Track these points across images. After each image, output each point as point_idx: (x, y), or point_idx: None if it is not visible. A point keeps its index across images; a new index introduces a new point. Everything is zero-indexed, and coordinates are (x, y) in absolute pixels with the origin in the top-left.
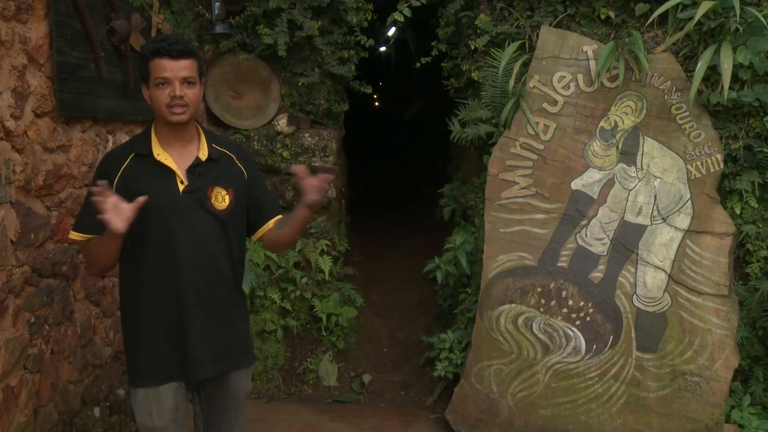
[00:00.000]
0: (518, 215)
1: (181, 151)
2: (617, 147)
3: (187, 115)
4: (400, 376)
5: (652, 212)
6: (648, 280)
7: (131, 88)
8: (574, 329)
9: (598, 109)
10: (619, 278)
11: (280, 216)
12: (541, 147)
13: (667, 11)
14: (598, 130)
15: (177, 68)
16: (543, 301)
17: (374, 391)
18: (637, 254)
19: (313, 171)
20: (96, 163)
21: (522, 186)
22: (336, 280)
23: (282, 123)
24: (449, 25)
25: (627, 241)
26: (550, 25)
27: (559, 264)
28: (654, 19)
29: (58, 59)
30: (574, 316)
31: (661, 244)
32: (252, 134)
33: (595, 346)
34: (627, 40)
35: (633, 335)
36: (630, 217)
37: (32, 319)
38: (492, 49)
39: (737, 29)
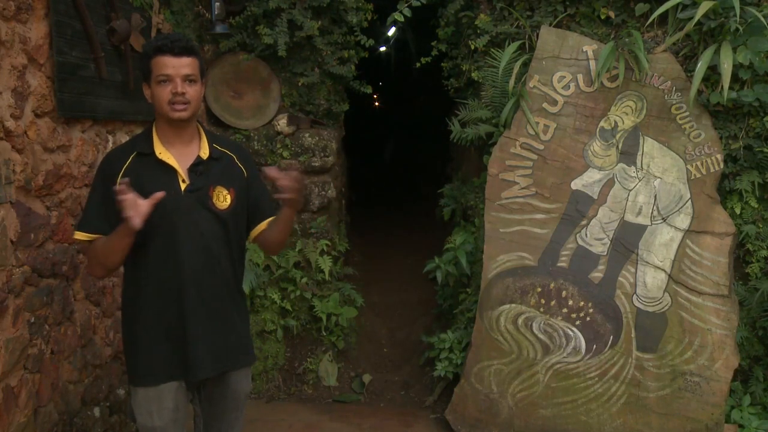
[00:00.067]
0: (518, 215)
1: (183, 150)
2: (617, 147)
3: (189, 112)
4: (400, 376)
5: (652, 212)
6: (648, 280)
7: (131, 88)
8: (574, 329)
9: (598, 109)
10: (619, 278)
11: (273, 217)
12: (541, 147)
13: (667, 11)
14: (598, 130)
15: (179, 65)
16: (543, 301)
17: (374, 391)
18: (637, 254)
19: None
20: (96, 163)
21: (522, 186)
22: (336, 280)
23: (282, 123)
24: (449, 25)
25: (627, 241)
26: (550, 25)
27: (559, 264)
28: (654, 19)
29: (58, 59)
30: (574, 316)
31: (661, 244)
32: (252, 134)
33: (595, 346)
34: (627, 40)
35: (633, 335)
36: (630, 217)
37: (32, 319)
38: (492, 49)
39: (737, 29)
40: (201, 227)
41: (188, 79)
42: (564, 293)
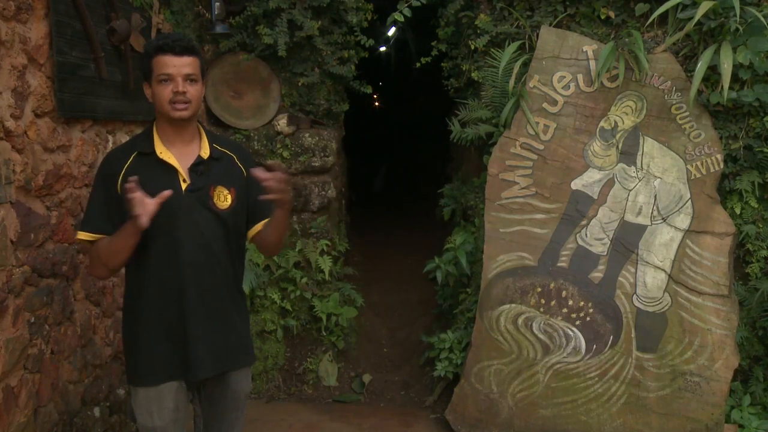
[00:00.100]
0: (518, 215)
1: (183, 150)
2: (617, 147)
3: (189, 111)
4: (400, 376)
5: (652, 212)
6: (648, 280)
7: (131, 88)
8: (574, 329)
9: (598, 109)
10: (619, 278)
11: (269, 218)
12: (541, 147)
13: (667, 11)
14: (598, 130)
15: (180, 64)
16: (543, 301)
17: (374, 391)
18: (637, 254)
19: (269, 170)
20: (96, 163)
21: (522, 186)
22: (336, 280)
23: (282, 123)
24: (449, 25)
25: (627, 241)
26: (550, 25)
27: (559, 264)
28: (654, 19)
29: (58, 59)
30: (574, 316)
31: (661, 244)
32: (252, 134)
33: (595, 346)
34: (627, 40)
35: (633, 335)
36: (630, 217)
37: (32, 319)
38: (492, 49)
39: (737, 29)
40: (201, 227)
41: (189, 78)
42: (564, 293)
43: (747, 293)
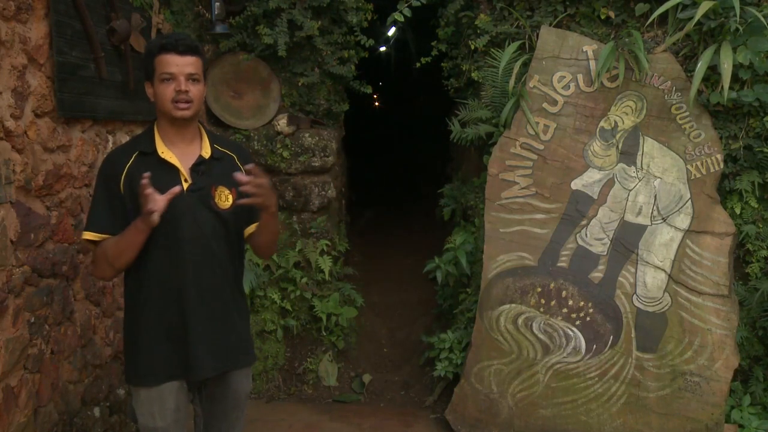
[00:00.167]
0: (518, 215)
1: (185, 150)
2: (617, 147)
3: (191, 111)
4: (400, 376)
5: (652, 212)
6: (648, 280)
7: (131, 88)
8: (574, 329)
9: (598, 109)
10: (619, 278)
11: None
12: (541, 147)
13: (667, 11)
14: (598, 130)
15: (183, 63)
16: (543, 301)
17: (374, 391)
18: (637, 254)
19: (249, 174)
20: (96, 163)
21: (522, 186)
22: (336, 280)
23: (282, 123)
24: (449, 25)
25: (627, 241)
26: (550, 25)
27: (559, 264)
28: (654, 19)
29: (58, 59)
30: (574, 316)
31: (661, 244)
32: (252, 134)
33: (595, 346)
34: (627, 40)
35: (633, 335)
36: (630, 217)
37: (32, 319)
38: (492, 49)
39: (737, 29)
40: (203, 226)
41: (192, 78)
42: (564, 293)
43: (747, 293)
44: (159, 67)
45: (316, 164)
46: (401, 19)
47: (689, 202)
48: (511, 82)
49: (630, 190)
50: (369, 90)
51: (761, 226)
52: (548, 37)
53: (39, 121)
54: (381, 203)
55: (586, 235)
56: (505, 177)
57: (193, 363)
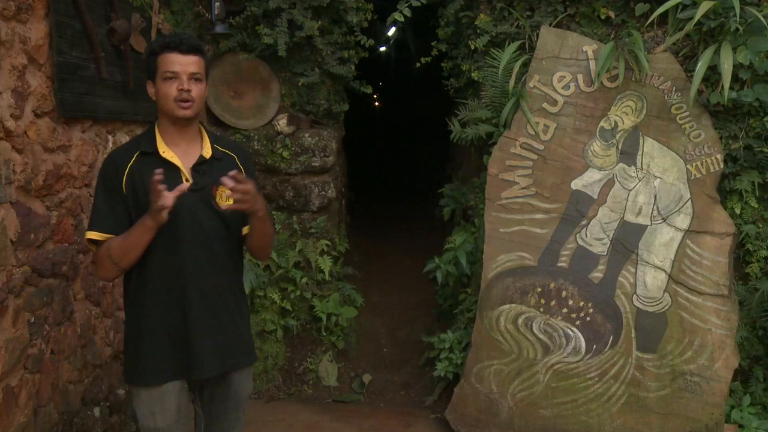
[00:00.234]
0: (518, 215)
1: (186, 149)
2: (617, 147)
3: (193, 111)
4: (400, 376)
5: (652, 212)
6: (648, 280)
7: (131, 88)
8: (574, 329)
9: (598, 109)
10: (619, 278)
11: None
12: (541, 147)
13: (667, 11)
14: (598, 130)
15: (186, 63)
16: (543, 301)
17: (374, 391)
18: (637, 254)
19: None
20: (96, 163)
21: (522, 186)
22: (336, 280)
23: (282, 123)
24: (449, 25)
25: (627, 241)
26: (550, 25)
27: (559, 264)
28: (654, 19)
29: (58, 59)
30: (574, 316)
31: (661, 244)
32: (252, 134)
33: (595, 346)
34: (627, 40)
35: (633, 335)
36: (630, 217)
37: (32, 319)
38: (492, 49)
39: (737, 29)
40: (204, 226)
41: (194, 77)
42: (564, 293)
43: (747, 293)
44: (162, 65)
45: (316, 164)
46: (401, 19)
47: (689, 202)
48: (511, 82)
49: (630, 190)
50: (369, 90)
51: (761, 226)
52: (548, 37)
53: (39, 121)
54: (381, 203)
55: (586, 235)
56: (505, 177)
57: (194, 362)
